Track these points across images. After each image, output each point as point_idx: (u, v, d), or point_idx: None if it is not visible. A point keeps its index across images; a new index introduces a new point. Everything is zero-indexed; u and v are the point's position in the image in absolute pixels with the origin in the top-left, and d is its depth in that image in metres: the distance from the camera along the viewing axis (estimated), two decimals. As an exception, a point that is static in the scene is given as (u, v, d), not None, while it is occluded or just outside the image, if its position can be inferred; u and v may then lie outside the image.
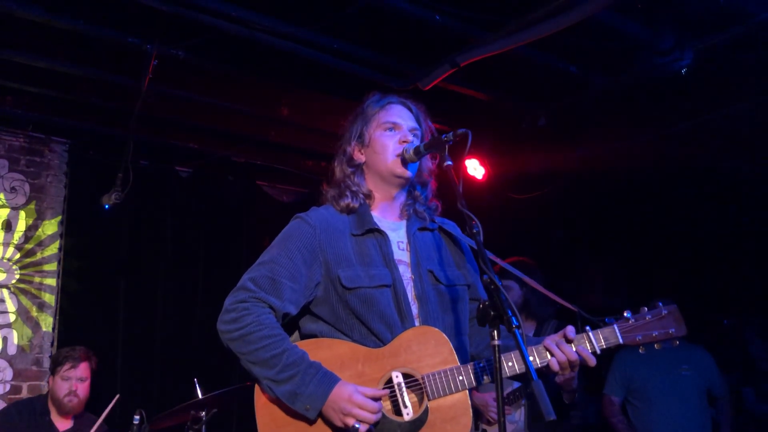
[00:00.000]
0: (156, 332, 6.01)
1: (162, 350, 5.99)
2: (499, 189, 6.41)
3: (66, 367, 4.56)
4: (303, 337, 2.49)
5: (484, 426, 4.19)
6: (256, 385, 2.32)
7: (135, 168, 5.27)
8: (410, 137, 2.54)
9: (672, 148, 5.70)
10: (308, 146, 6.25)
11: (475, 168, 6.00)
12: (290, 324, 2.45)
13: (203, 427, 3.95)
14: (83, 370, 4.61)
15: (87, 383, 4.64)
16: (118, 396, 4.48)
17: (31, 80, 5.02)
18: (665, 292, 5.42)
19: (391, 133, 2.55)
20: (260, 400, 2.32)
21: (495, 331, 1.96)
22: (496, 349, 1.95)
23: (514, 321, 1.92)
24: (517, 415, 4.13)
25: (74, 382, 4.55)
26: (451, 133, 2.33)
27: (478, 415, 4.21)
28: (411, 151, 2.47)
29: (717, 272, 5.91)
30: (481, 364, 2.29)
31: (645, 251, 6.45)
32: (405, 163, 2.49)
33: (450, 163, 2.27)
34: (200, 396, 3.99)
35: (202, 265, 6.38)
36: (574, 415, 5.27)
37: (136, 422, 4.14)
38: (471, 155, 5.90)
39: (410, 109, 2.64)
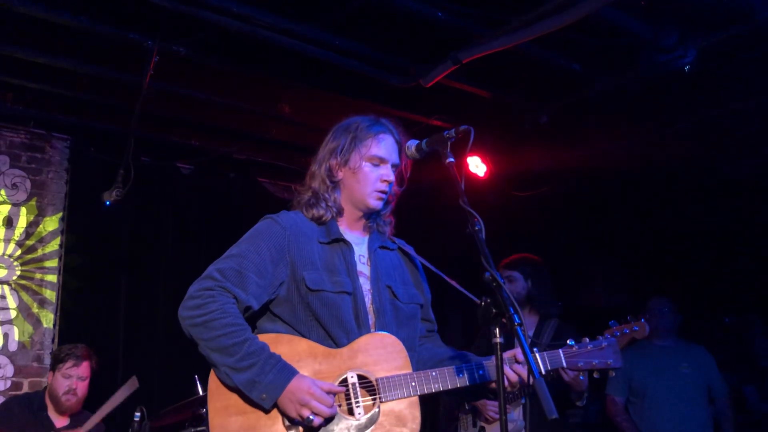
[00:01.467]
0: (157, 329, 6.00)
1: (163, 347, 5.98)
2: (501, 186, 6.40)
3: (68, 364, 4.52)
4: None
5: (482, 424, 4.19)
6: (211, 372, 2.34)
7: (136, 164, 5.26)
8: (391, 177, 2.61)
9: (675, 146, 5.69)
10: (309, 143, 6.14)
11: (476, 165, 5.99)
12: (248, 322, 2.48)
13: (204, 424, 3.95)
14: (85, 369, 4.58)
15: (86, 382, 4.62)
16: (135, 382, 4.36)
17: (33, 77, 5.01)
18: (666, 291, 5.42)
19: (376, 168, 2.59)
20: (214, 386, 2.34)
21: (497, 329, 1.95)
22: (498, 346, 1.95)
23: (516, 318, 1.92)
24: (516, 414, 4.12)
25: (75, 380, 4.52)
26: (453, 130, 2.34)
27: (477, 413, 4.21)
28: (413, 148, 2.49)
29: (718, 270, 5.91)
30: (434, 373, 2.39)
31: (647, 249, 6.44)
32: (380, 197, 2.58)
33: (452, 160, 2.27)
34: (201, 393, 3.99)
35: (203, 262, 6.25)
36: (576, 414, 5.26)
37: (136, 419, 4.14)
38: (473, 152, 5.89)
39: (397, 143, 2.68)
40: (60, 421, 4.54)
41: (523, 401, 4.14)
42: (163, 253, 6.17)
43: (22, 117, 5.55)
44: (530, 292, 4.39)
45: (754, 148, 5.49)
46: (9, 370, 5.37)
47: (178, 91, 5.25)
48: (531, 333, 4.26)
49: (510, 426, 4.11)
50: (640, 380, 5.00)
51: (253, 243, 2.47)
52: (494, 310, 1.96)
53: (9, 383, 5.35)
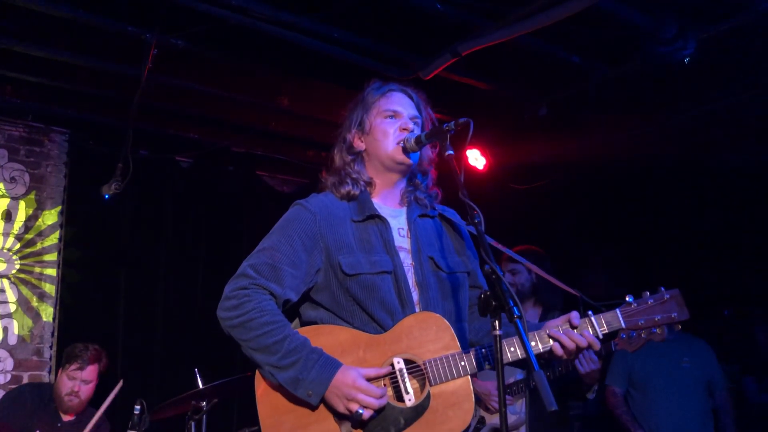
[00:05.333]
0: (156, 322, 6.00)
1: (162, 340, 5.99)
2: (501, 179, 6.40)
3: (73, 366, 4.45)
4: (303, 324, 2.48)
5: (483, 413, 4.20)
6: (257, 372, 2.31)
7: (135, 158, 5.26)
8: (411, 125, 2.53)
9: (675, 138, 5.69)
10: (308, 136, 6.23)
11: (476, 158, 5.98)
12: (291, 311, 2.45)
13: (204, 417, 3.96)
14: (90, 372, 4.50)
15: (92, 385, 4.54)
16: (120, 383, 4.42)
17: (31, 70, 4.99)
18: (667, 283, 5.41)
19: (392, 121, 2.54)
20: (261, 387, 2.31)
21: (496, 321, 1.95)
22: (497, 339, 1.94)
23: (516, 311, 1.91)
24: (518, 406, 4.13)
25: (78, 383, 4.45)
26: (452, 123, 2.31)
27: (478, 402, 4.22)
28: (412, 141, 2.46)
29: (719, 262, 5.90)
30: (483, 350, 2.28)
31: (647, 241, 6.44)
32: (406, 151, 2.48)
33: (451, 152, 2.25)
34: (201, 386, 3.99)
35: (202, 255, 6.37)
36: (575, 406, 5.27)
37: (136, 412, 4.14)
38: (472, 145, 5.88)
39: (411, 97, 2.64)
40: (66, 417, 4.51)
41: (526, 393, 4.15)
42: (162, 247, 6.17)
43: (21, 110, 5.54)
44: (535, 283, 4.41)
45: (755, 139, 5.48)
46: (9, 363, 5.37)
47: (176, 84, 5.24)
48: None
49: (513, 418, 4.13)
50: (640, 373, 4.99)
51: (284, 233, 2.41)
52: (494, 303, 1.95)
53: (9, 377, 5.35)
